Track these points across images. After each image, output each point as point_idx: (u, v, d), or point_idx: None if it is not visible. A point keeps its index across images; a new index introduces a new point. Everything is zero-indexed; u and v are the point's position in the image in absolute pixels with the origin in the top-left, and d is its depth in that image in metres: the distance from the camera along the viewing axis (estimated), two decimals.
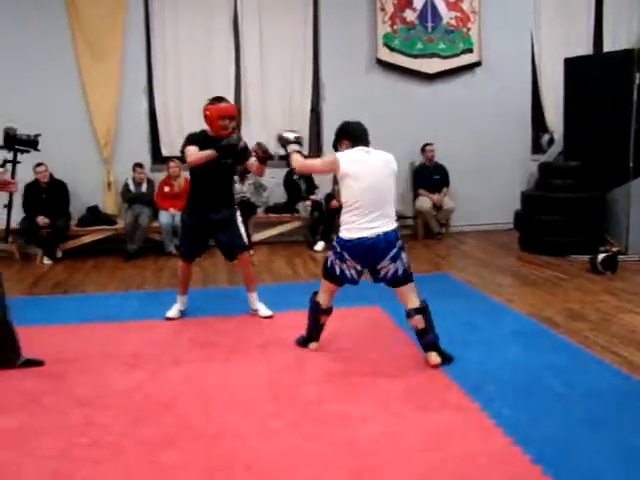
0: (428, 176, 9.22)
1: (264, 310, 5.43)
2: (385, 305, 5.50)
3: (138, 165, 8.63)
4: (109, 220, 8.71)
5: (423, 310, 4.15)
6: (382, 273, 4.20)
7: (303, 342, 4.60)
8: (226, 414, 3.51)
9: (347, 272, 4.22)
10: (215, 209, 5.21)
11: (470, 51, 9.54)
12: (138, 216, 8.44)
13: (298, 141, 4.77)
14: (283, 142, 4.76)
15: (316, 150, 9.50)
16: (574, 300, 5.70)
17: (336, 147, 4.50)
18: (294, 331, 4.88)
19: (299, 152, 4.68)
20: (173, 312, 5.43)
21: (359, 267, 4.21)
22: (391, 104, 9.29)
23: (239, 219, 5.37)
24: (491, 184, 9.58)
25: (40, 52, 8.56)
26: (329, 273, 4.32)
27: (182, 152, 5.14)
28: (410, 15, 9.36)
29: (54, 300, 6.26)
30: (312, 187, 9.04)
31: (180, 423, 3.42)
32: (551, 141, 9.87)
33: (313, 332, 4.55)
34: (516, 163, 9.67)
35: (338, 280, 4.31)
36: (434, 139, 9.27)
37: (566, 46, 9.60)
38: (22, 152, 4.44)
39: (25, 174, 8.03)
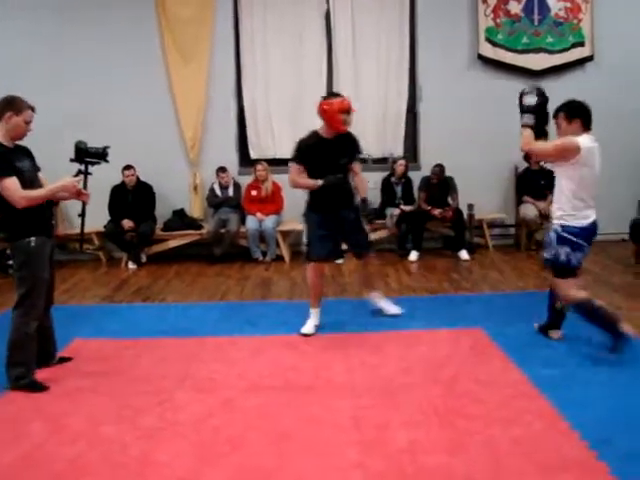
0: (533, 181, 8.48)
1: (390, 307, 5.40)
2: (487, 326, 4.94)
3: (221, 169, 8.35)
4: (195, 224, 8.47)
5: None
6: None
7: (616, 343, 4.12)
8: (301, 459, 3.01)
9: (579, 260, 4.19)
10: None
11: (581, 45, 8.73)
12: (225, 221, 8.14)
13: (536, 109, 4.31)
14: (521, 107, 4.41)
15: (412, 154, 8.94)
16: None
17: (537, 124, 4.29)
18: (386, 355, 4.41)
19: (532, 127, 4.27)
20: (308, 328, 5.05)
21: (586, 251, 4.23)
22: (494, 104, 8.60)
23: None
24: (604, 190, 8.68)
25: (129, 55, 8.47)
26: (568, 269, 4.20)
27: (291, 160, 5.01)
28: (515, 7, 8.67)
29: (133, 309, 6.02)
30: (409, 193, 8.47)
31: (248, 468, 2.96)
32: None
33: (609, 321, 4.17)
34: (632, 167, 8.78)
35: (575, 271, 4.23)
36: None
37: None
38: (92, 164, 4.53)
39: (113, 176, 7.92)
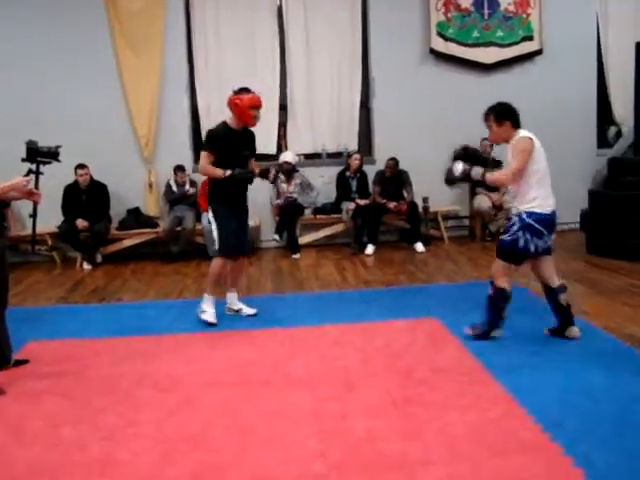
0: None
1: (247, 309, 5.40)
2: (443, 316, 5.03)
3: (179, 168, 8.29)
4: (150, 222, 8.41)
5: (566, 287, 4.47)
6: (549, 244, 4.34)
7: (485, 332, 4.46)
8: (264, 453, 3.03)
9: (534, 245, 4.25)
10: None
11: (530, 38, 8.94)
12: (181, 219, 8.10)
13: (472, 164, 4.45)
14: (461, 180, 4.53)
15: (367, 149, 9.00)
16: None
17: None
18: (344, 348, 4.46)
19: (481, 172, 4.38)
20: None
21: (546, 238, 4.28)
22: (446, 97, 8.77)
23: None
24: (554, 181, 8.87)
25: (77, 47, 8.34)
26: (519, 253, 4.28)
27: (202, 149, 5.11)
28: (465, 1, 8.85)
29: (89, 310, 5.96)
30: (364, 187, 8.53)
31: (211, 463, 2.97)
32: (618, 134, 9.19)
33: (498, 321, 4.46)
34: (581, 159, 9.00)
35: (521, 259, 4.34)
36: None
37: (636, 29, 8.87)
38: (44, 164, 4.54)
39: (65, 175, 7.81)
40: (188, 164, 8.58)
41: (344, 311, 5.36)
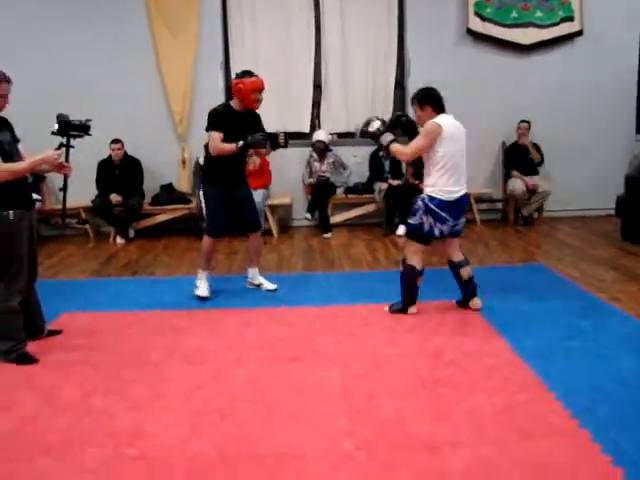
0: (521, 156, 8.52)
1: (267, 283, 5.48)
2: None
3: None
4: (183, 199, 8.45)
5: (469, 262, 4.76)
6: (457, 227, 4.58)
7: (402, 309, 4.71)
8: (291, 429, 3.05)
9: (439, 230, 4.49)
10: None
11: (570, 19, 8.71)
12: None
13: (387, 128, 4.73)
14: (370, 136, 4.80)
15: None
16: None
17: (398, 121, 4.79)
18: (374, 327, 4.47)
19: (394, 139, 4.66)
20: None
21: (450, 223, 4.48)
22: (482, 78, 8.63)
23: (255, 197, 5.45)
24: (590, 166, 8.80)
25: (115, 26, 8.38)
26: (424, 234, 4.51)
27: (207, 130, 5.10)
28: None
29: (122, 283, 6.03)
30: (397, 167, 8.47)
31: (237, 436, 3.00)
32: None
33: (412, 296, 4.70)
34: (619, 143, 8.82)
35: (428, 239, 4.57)
36: (528, 116, 8.54)
37: None
38: (75, 137, 4.43)
39: (100, 150, 7.89)
40: None
41: (374, 291, 5.34)
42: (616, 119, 8.77)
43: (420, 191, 8.08)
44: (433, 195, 4.46)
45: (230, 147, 5.00)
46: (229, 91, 8.75)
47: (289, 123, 8.57)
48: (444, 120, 4.43)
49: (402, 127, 4.84)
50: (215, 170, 5.20)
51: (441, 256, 6.71)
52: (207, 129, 5.11)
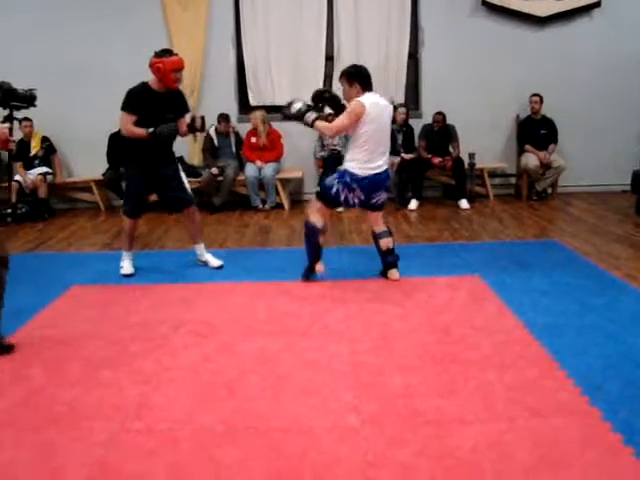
0: (535, 130, 8.40)
1: (213, 260, 5.46)
2: (485, 274, 4.96)
3: (224, 118, 8.23)
4: (194, 172, 8.39)
5: (391, 232, 4.98)
6: (373, 201, 4.78)
7: (308, 273, 4.90)
8: (298, 403, 3.04)
9: (350, 200, 4.69)
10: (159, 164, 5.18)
11: None
12: (223, 169, 8.09)
13: (309, 107, 4.76)
14: (294, 117, 4.76)
15: (414, 102, 8.81)
16: None
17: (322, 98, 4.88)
18: (384, 302, 4.43)
19: (320, 117, 4.73)
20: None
21: (362, 197, 4.68)
22: (497, 51, 8.50)
23: (182, 173, 5.36)
24: (605, 141, 8.68)
25: (126, 3, 8.29)
26: (331, 198, 4.72)
27: (122, 109, 4.97)
28: None
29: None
30: (410, 141, 8.38)
31: (244, 410, 2.99)
32: None
33: (316, 255, 4.87)
34: (635, 118, 8.67)
35: (337, 205, 4.88)
36: (543, 90, 8.40)
37: None
38: (18, 108, 4.02)
39: (112, 124, 7.85)
40: (234, 114, 8.55)
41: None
42: (632, 93, 8.62)
43: (432, 165, 8.14)
44: (349, 169, 4.63)
45: (140, 132, 4.93)
46: (240, 64, 8.67)
47: (301, 96, 8.43)
48: (369, 99, 4.53)
49: (326, 102, 4.89)
50: (134, 150, 5.09)
51: (452, 231, 6.70)
52: (121, 109, 4.99)
